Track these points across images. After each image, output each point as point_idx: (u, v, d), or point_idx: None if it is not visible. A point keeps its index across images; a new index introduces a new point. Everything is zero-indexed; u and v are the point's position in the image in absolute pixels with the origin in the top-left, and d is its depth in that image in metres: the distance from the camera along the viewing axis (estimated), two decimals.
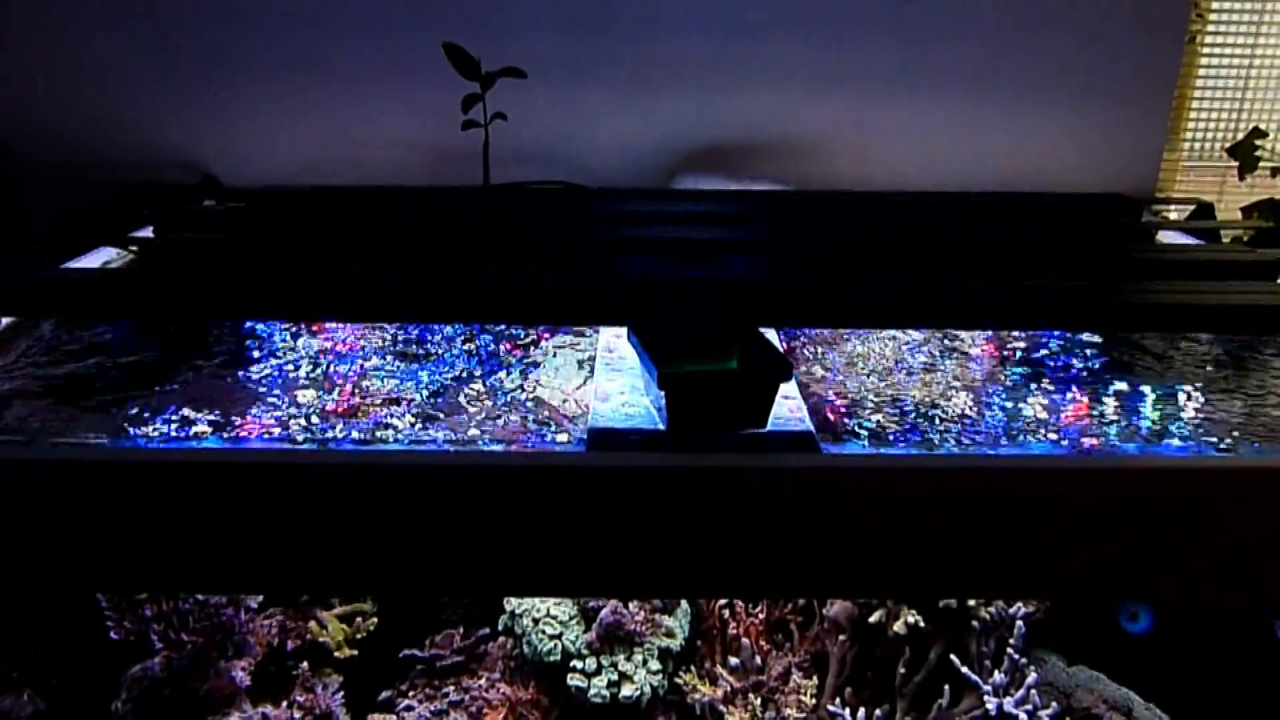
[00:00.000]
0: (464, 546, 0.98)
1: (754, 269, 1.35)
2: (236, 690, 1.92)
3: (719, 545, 0.98)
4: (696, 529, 0.97)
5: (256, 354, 1.28)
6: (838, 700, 1.94)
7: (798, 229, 1.62)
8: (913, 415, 1.12)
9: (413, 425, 1.09)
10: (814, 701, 1.97)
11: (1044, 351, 1.30)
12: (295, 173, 1.86)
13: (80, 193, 1.75)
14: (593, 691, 1.94)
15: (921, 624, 1.89)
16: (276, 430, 1.07)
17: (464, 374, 1.22)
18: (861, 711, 1.87)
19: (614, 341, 1.26)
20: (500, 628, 2.09)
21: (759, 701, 1.98)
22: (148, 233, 1.58)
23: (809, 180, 1.89)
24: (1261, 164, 1.86)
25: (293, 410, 1.12)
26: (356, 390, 1.18)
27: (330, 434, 1.07)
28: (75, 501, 0.96)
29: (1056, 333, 1.35)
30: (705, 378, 1.02)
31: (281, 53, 1.80)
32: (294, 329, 1.35)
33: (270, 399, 1.15)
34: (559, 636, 1.99)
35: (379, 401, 1.15)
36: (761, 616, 2.09)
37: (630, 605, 2.01)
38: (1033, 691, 1.77)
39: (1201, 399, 1.15)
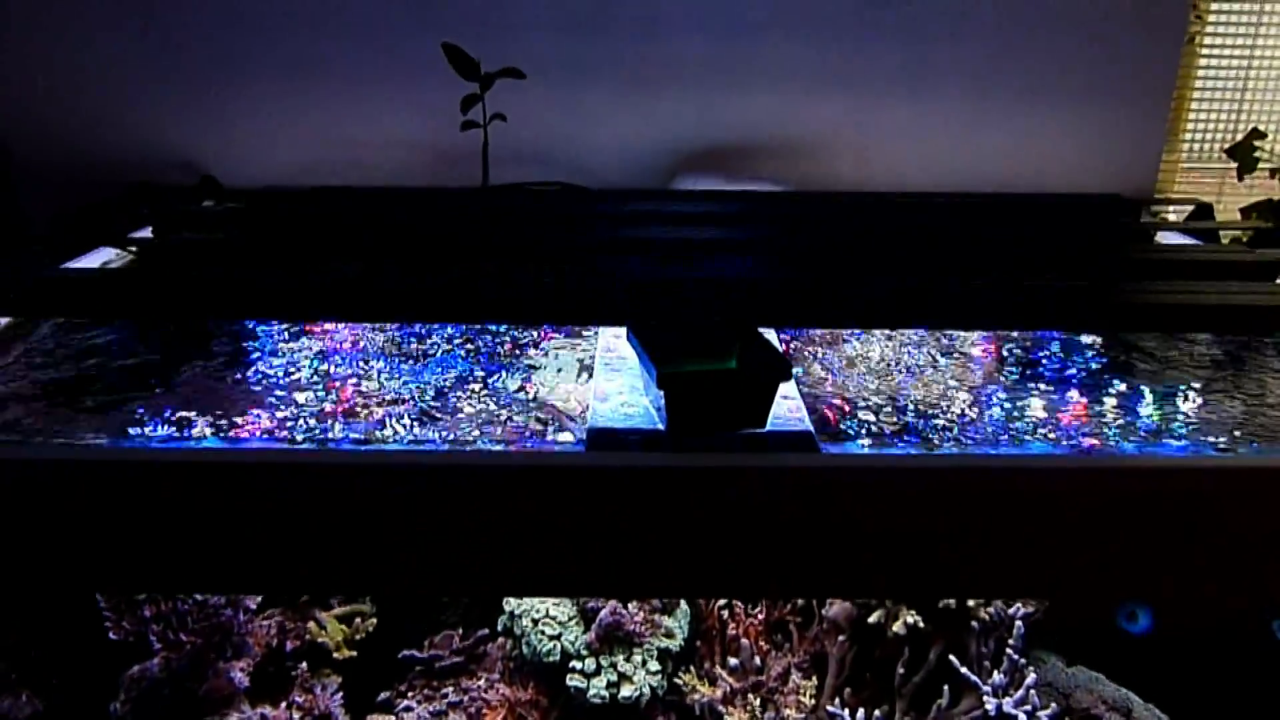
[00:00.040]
0: (463, 546, 0.98)
1: (753, 269, 1.35)
2: (235, 691, 1.91)
3: (718, 545, 0.98)
4: (696, 529, 0.97)
5: (256, 355, 1.28)
6: (837, 701, 1.94)
7: (797, 229, 1.63)
8: (911, 416, 1.12)
9: (410, 428, 1.09)
10: (813, 702, 1.97)
11: (1043, 352, 1.31)
12: (294, 173, 1.86)
13: (79, 193, 1.75)
14: (592, 692, 1.94)
15: (921, 624, 1.88)
16: (275, 430, 1.07)
17: (464, 374, 1.22)
18: (861, 712, 1.86)
19: (613, 342, 1.26)
20: (499, 628, 2.09)
21: (758, 702, 1.98)
22: (147, 233, 1.58)
23: (809, 181, 1.89)
24: (1260, 165, 1.86)
25: (292, 411, 1.12)
26: (356, 391, 1.18)
27: (329, 434, 1.07)
28: (74, 501, 0.96)
29: (1056, 333, 1.35)
30: (704, 377, 1.02)
31: (281, 53, 1.80)
32: (293, 329, 1.35)
33: (270, 400, 1.15)
34: (558, 637, 1.99)
35: (378, 402, 1.15)
36: (761, 617, 2.09)
37: (629, 606, 2.01)
38: (1032, 692, 1.77)
39: (1201, 398, 1.15)
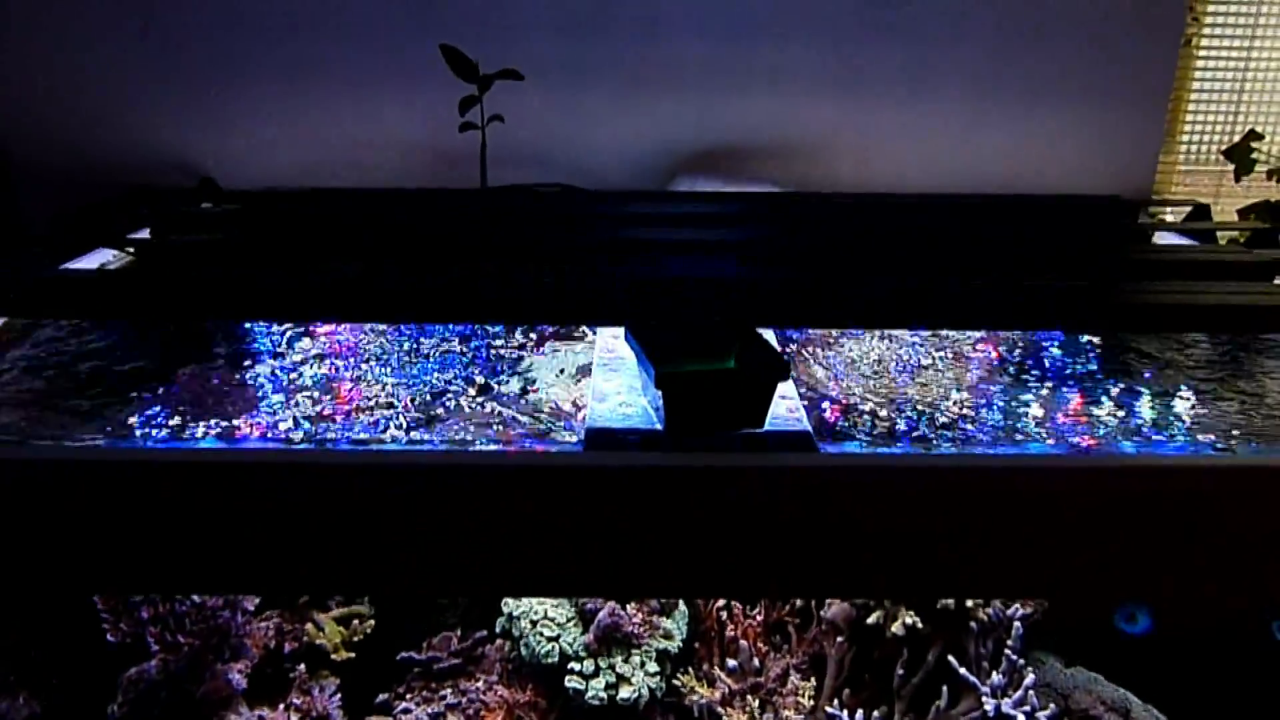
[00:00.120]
0: (462, 546, 0.98)
1: (752, 270, 1.35)
2: (233, 693, 1.91)
3: (717, 545, 0.98)
4: (694, 529, 0.97)
5: (255, 355, 1.28)
6: (836, 702, 1.93)
7: (796, 230, 1.63)
8: (911, 416, 1.12)
9: (408, 430, 1.09)
10: (812, 703, 1.97)
11: (1042, 352, 1.31)
12: (293, 175, 1.86)
13: (78, 195, 1.76)
14: (590, 694, 1.94)
15: (919, 625, 1.88)
16: (274, 431, 1.07)
17: (462, 375, 1.22)
18: (860, 713, 1.86)
19: (611, 342, 1.26)
20: (498, 630, 2.09)
21: (757, 703, 1.98)
22: (145, 235, 1.58)
23: (809, 183, 1.89)
24: (1258, 166, 1.86)
25: (290, 411, 1.12)
26: (354, 392, 1.18)
27: (328, 434, 1.07)
28: (72, 501, 0.96)
29: (1055, 334, 1.35)
30: (703, 377, 1.02)
31: (279, 55, 1.80)
32: (292, 330, 1.35)
33: (268, 400, 1.15)
34: (557, 638, 1.99)
35: (378, 403, 1.14)
36: (759, 618, 2.09)
37: (628, 607, 2.01)
38: (1030, 693, 1.77)
39: (1200, 398, 1.15)
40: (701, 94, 1.84)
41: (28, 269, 1.34)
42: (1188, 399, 1.16)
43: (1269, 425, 1.08)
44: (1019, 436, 1.08)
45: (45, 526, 0.97)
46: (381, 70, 1.81)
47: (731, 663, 2.03)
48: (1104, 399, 1.17)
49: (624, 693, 1.94)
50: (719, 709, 1.98)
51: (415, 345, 1.31)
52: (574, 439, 1.06)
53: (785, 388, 1.10)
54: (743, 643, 2.03)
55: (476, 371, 1.23)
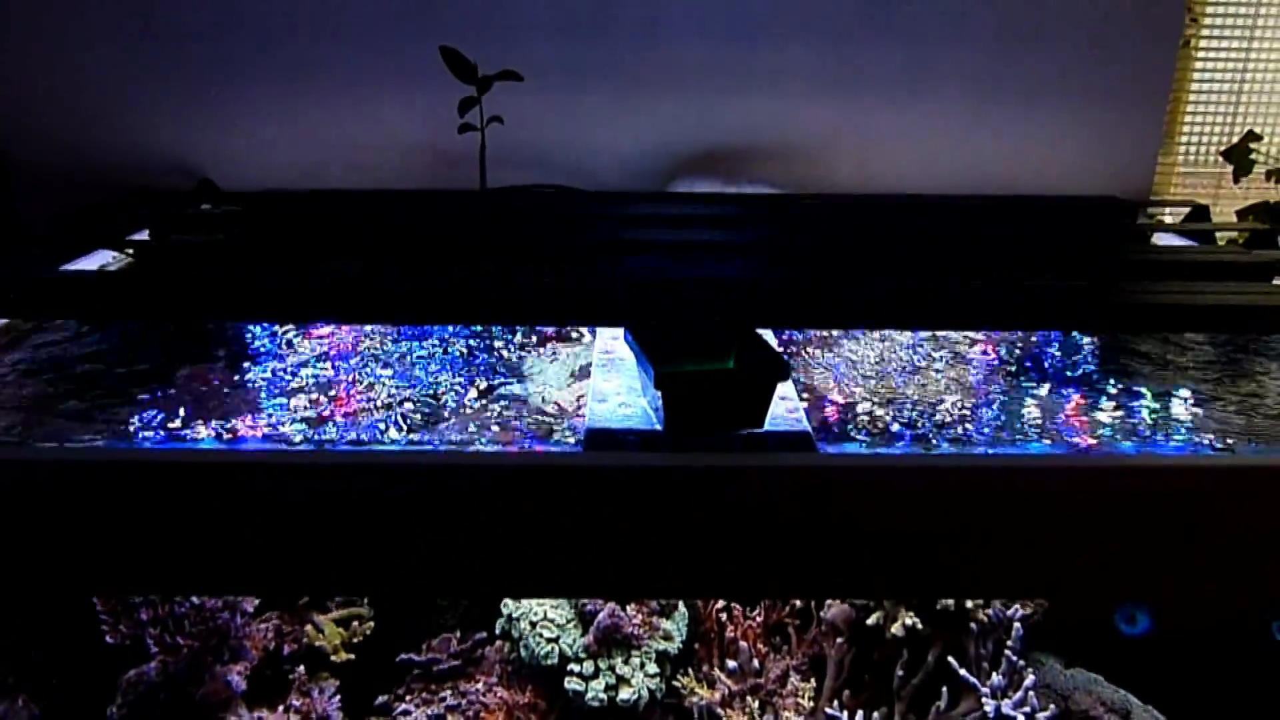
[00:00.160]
0: (462, 547, 0.98)
1: (752, 270, 1.35)
2: (232, 695, 1.91)
3: (717, 545, 0.98)
4: (694, 529, 0.97)
5: (255, 356, 1.28)
6: (836, 703, 1.93)
7: (796, 231, 1.63)
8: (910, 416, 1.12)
9: (408, 432, 1.09)
10: (812, 704, 1.97)
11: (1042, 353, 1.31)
12: (292, 177, 1.86)
13: (77, 196, 1.76)
14: (590, 695, 1.94)
15: (919, 626, 1.88)
16: (273, 431, 1.07)
17: (463, 376, 1.22)
18: (860, 714, 1.86)
19: (610, 343, 1.26)
20: (497, 631, 2.08)
21: (757, 704, 1.98)
22: (144, 236, 1.58)
23: (808, 184, 1.89)
24: (1256, 167, 1.86)
25: (290, 413, 1.12)
26: (354, 392, 1.18)
27: (327, 435, 1.07)
28: (72, 502, 0.96)
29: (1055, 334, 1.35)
30: (702, 378, 1.02)
31: (278, 57, 1.80)
32: (291, 331, 1.35)
33: (268, 402, 1.15)
34: (556, 640, 1.99)
35: (377, 404, 1.14)
36: (759, 619, 2.09)
37: (628, 608, 2.01)
38: (1031, 693, 1.77)
39: (1200, 399, 1.15)
40: (701, 95, 1.85)
41: (27, 269, 1.34)
42: (1187, 399, 1.16)
43: (1269, 425, 1.08)
44: (1018, 438, 1.08)
45: (45, 527, 0.97)
46: (381, 71, 1.81)
47: (731, 664, 2.03)
48: (1103, 399, 1.17)
49: (624, 694, 1.94)
50: (719, 710, 1.98)
51: (414, 346, 1.31)
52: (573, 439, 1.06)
53: (784, 388, 1.10)
54: (742, 644, 2.03)
55: (476, 373, 1.23)
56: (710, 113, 1.86)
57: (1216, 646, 1.80)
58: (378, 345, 1.31)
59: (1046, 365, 1.27)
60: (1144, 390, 1.18)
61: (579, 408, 1.12)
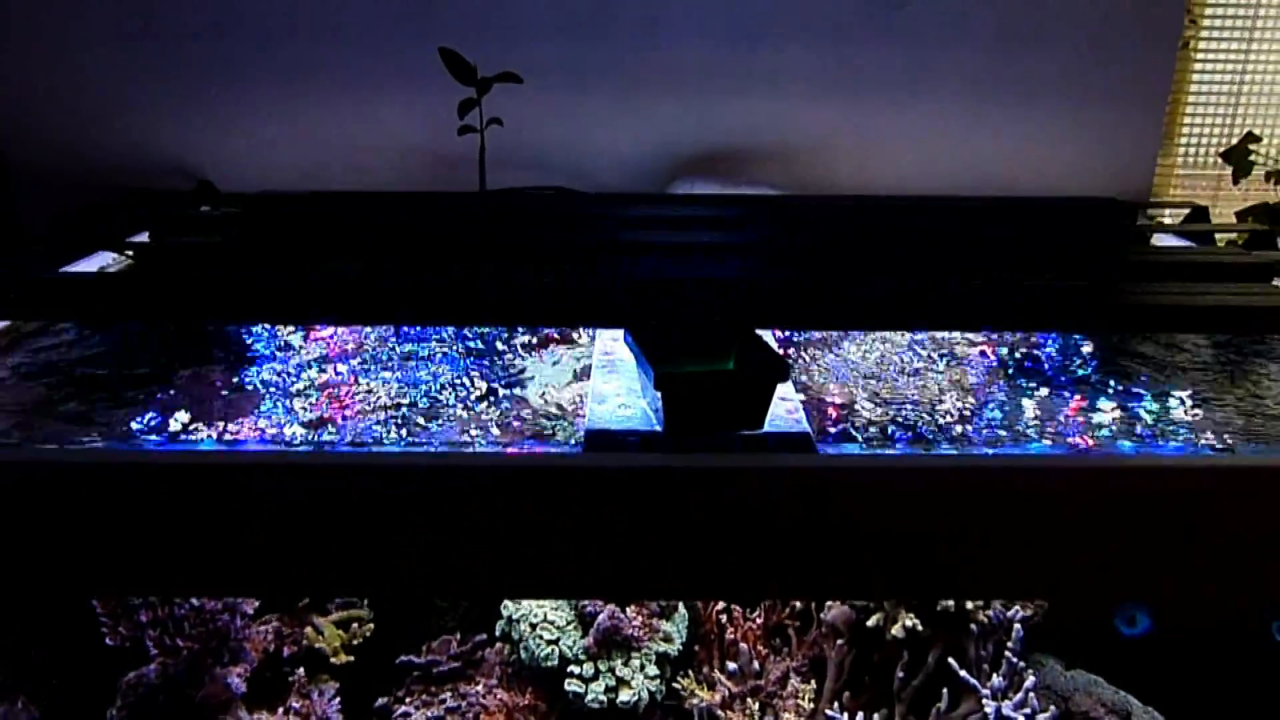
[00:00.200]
0: (462, 548, 0.98)
1: (752, 271, 1.35)
2: (232, 697, 1.90)
3: (716, 546, 0.98)
4: (694, 530, 0.97)
5: (255, 358, 1.28)
6: (836, 705, 1.93)
7: (796, 232, 1.63)
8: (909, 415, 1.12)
9: (406, 433, 1.09)
10: (812, 706, 1.96)
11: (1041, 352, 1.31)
12: (291, 178, 1.86)
13: (76, 197, 1.76)
14: (590, 697, 1.93)
15: (919, 628, 1.88)
16: (273, 432, 1.07)
17: (461, 376, 1.22)
18: (860, 716, 1.86)
19: (610, 344, 1.26)
20: (497, 633, 2.08)
21: (757, 706, 1.98)
22: (144, 238, 1.58)
23: (808, 185, 1.89)
24: (1255, 169, 1.86)
25: (290, 415, 1.12)
26: (353, 394, 1.18)
27: (327, 436, 1.07)
28: (72, 503, 0.96)
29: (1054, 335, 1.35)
30: (702, 378, 1.02)
31: (278, 58, 1.80)
32: (292, 332, 1.35)
33: (267, 402, 1.15)
34: (556, 642, 1.99)
35: (376, 406, 1.14)
36: (759, 621, 2.09)
37: (628, 610, 2.01)
38: (1031, 695, 1.77)
39: (1199, 399, 1.15)
40: (701, 96, 1.85)
41: (27, 270, 1.34)
42: (1187, 400, 1.16)
43: (1268, 426, 1.08)
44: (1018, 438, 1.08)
45: (44, 528, 0.97)
46: (381, 73, 1.81)
47: (731, 666, 2.02)
48: (1103, 400, 1.17)
49: (624, 696, 1.94)
50: (719, 712, 1.98)
51: (413, 347, 1.31)
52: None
53: (784, 389, 1.10)
54: (743, 646, 2.03)
55: (476, 374, 1.23)
56: (710, 114, 1.86)
57: (1216, 647, 1.80)
58: (378, 347, 1.31)
59: (1046, 366, 1.27)
60: (1143, 391, 1.18)
61: (578, 408, 1.12)
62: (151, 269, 1.47)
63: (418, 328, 1.35)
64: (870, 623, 1.93)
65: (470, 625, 2.12)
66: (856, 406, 1.14)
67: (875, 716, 1.87)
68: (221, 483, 0.96)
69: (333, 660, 2.04)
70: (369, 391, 1.17)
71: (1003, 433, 1.08)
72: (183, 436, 1.05)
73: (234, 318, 1.34)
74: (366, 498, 0.96)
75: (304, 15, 1.78)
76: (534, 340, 1.33)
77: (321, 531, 0.97)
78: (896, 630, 1.89)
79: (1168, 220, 1.86)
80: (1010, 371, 1.25)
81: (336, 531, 0.97)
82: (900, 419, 1.11)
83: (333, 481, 0.96)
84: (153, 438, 1.05)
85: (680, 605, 2.09)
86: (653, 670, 1.98)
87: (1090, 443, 1.06)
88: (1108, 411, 1.13)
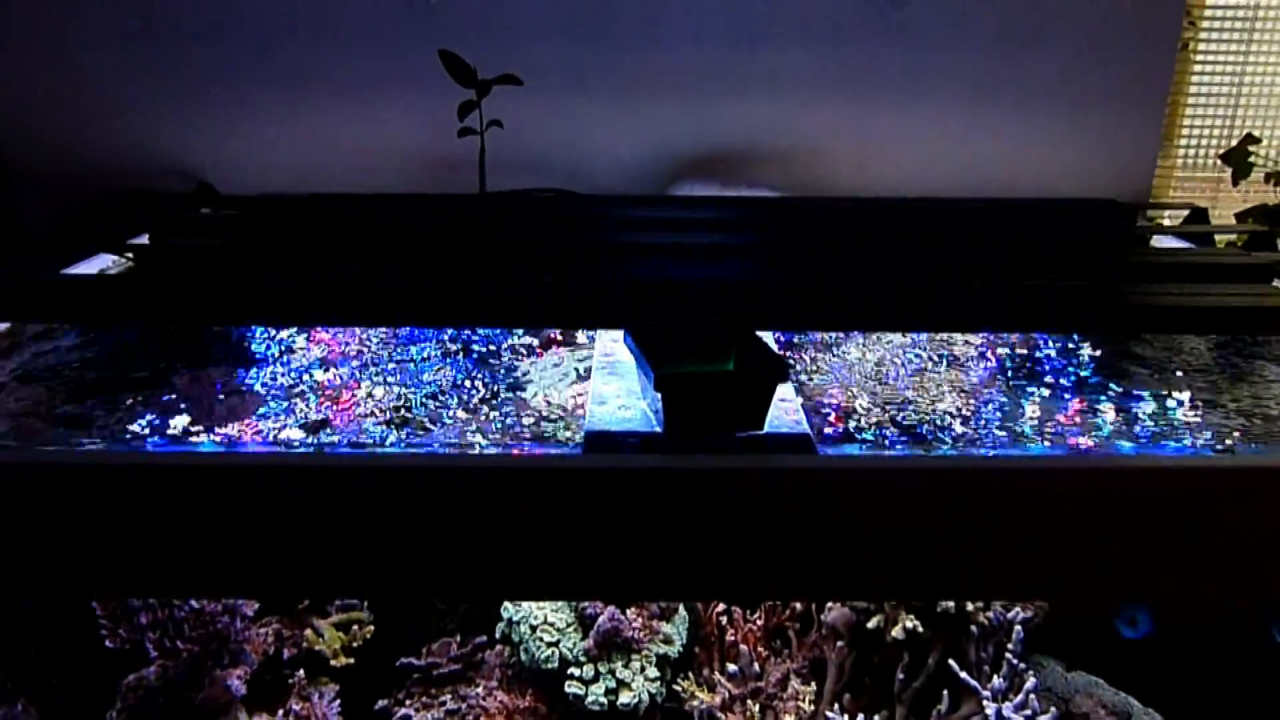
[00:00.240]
0: (462, 549, 0.98)
1: (752, 272, 1.35)
2: (232, 699, 1.90)
3: (717, 547, 0.98)
4: (694, 531, 0.97)
5: (255, 359, 1.28)
6: (836, 706, 1.93)
7: (795, 234, 1.63)
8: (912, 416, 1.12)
9: (406, 433, 1.09)
10: (812, 708, 1.96)
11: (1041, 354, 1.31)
12: (291, 180, 1.86)
13: (76, 198, 1.76)
14: (590, 699, 1.93)
15: (920, 629, 1.88)
16: (273, 434, 1.07)
17: (461, 377, 1.22)
18: (860, 718, 1.86)
19: (611, 345, 1.26)
20: (497, 635, 2.08)
21: (757, 708, 1.98)
22: (144, 240, 1.58)
23: (808, 187, 1.89)
24: (1255, 170, 1.86)
25: (289, 416, 1.12)
26: (353, 395, 1.18)
27: (327, 438, 1.07)
28: (71, 505, 0.96)
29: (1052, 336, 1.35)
30: (702, 379, 1.02)
31: (278, 60, 1.81)
32: (292, 333, 1.35)
33: (267, 403, 1.15)
34: (556, 644, 1.98)
35: (376, 407, 1.14)
36: (759, 623, 2.09)
37: (628, 612, 2.01)
38: (1031, 697, 1.76)
39: (1199, 400, 1.15)
40: (701, 98, 1.85)
41: (27, 272, 1.34)
42: (1186, 401, 1.16)
43: (1268, 426, 1.08)
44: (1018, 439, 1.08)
45: (45, 530, 0.97)
46: (381, 75, 1.82)
47: (732, 667, 2.02)
48: (1102, 401, 1.17)
49: (624, 698, 1.93)
50: (719, 714, 1.98)
51: (413, 348, 1.31)
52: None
53: (784, 390, 1.10)
54: (743, 647, 2.03)
55: (475, 376, 1.23)
56: (710, 115, 1.86)
57: (1217, 648, 1.80)
58: (377, 348, 1.31)
59: (1045, 366, 1.27)
60: (1143, 392, 1.18)
61: (578, 409, 1.12)
62: (152, 271, 1.47)
63: (417, 329, 1.35)
64: (870, 624, 1.93)
65: (470, 627, 2.12)
66: (856, 406, 1.14)
67: (875, 718, 1.87)
68: (221, 484, 0.96)
69: (333, 662, 2.03)
70: (368, 396, 1.17)
71: (1001, 433, 1.08)
72: (182, 438, 1.05)
73: (234, 319, 1.34)
74: (366, 499, 0.96)
75: (304, 16, 1.78)
76: (535, 344, 1.33)
77: (321, 533, 0.97)
78: (897, 632, 1.89)
79: (1167, 222, 1.86)
80: (1010, 372, 1.25)
81: (336, 533, 0.97)
82: (900, 420, 1.11)
83: (333, 483, 0.96)
84: (152, 438, 1.05)
85: (680, 607, 2.08)
86: (653, 672, 1.98)
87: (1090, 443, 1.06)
88: (1107, 412, 1.13)
